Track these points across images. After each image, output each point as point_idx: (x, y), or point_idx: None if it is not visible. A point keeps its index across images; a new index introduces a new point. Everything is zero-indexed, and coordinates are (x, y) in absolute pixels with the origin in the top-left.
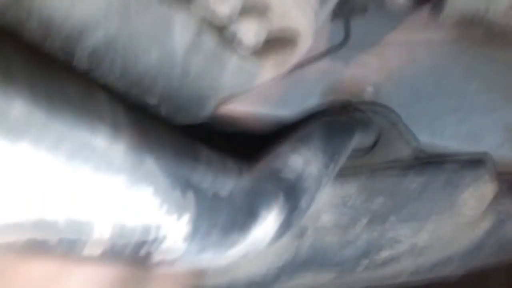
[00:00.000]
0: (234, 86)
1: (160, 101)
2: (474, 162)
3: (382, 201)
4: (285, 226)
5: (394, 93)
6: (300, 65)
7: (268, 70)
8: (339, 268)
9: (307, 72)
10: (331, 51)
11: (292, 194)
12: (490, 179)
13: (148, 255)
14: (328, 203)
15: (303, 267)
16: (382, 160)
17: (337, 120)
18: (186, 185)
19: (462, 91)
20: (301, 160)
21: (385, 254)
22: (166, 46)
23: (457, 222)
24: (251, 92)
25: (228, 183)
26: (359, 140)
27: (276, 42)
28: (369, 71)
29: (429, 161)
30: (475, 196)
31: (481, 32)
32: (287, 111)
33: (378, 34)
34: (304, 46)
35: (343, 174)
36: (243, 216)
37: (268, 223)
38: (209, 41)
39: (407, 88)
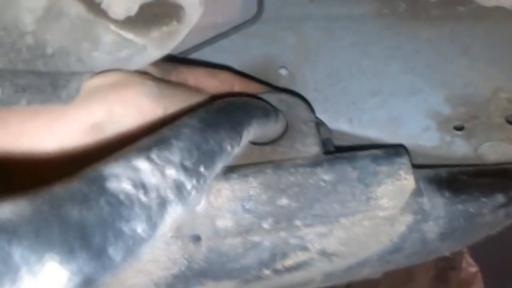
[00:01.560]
0: (112, 62)
1: None
2: (389, 156)
3: (286, 202)
4: (77, 281)
5: (311, 74)
6: (208, 43)
7: (153, 45)
8: (241, 274)
9: (215, 51)
10: (242, 26)
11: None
12: (406, 174)
13: None
14: (225, 207)
15: (200, 276)
16: (287, 156)
17: (223, 110)
18: None
19: (383, 72)
20: (142, 169)
21: (290, 261)
22: (10, 7)
23: (371, 222)
24: None
25: None
26: (257, 133)
27: (159, 13)
28: (284, 49)
29: (339, 156)
30: (390, 193)
31: (403, 7)
32: None
33: (295, 7)
34: (192, 19)
35: (241, 172)
36: None
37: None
38: (77, 5)
39: (324, 68)
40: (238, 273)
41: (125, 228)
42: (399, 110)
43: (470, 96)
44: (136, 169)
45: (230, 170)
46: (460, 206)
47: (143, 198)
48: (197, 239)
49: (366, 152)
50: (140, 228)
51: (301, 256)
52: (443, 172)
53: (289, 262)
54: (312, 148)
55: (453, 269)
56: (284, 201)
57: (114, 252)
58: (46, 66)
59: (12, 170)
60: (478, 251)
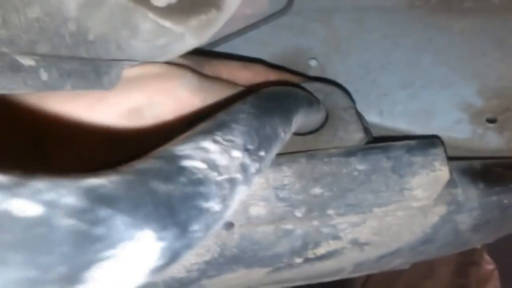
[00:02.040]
0: (149, 50)
1: (40, 63)
2: (424, 146)
3: (319, 191)
4: (167, 257)
5: (341, 66)
6: (237, 34)
7: (191, 34)
8: (273, 262)
9: (244, 42)
10: (272, 18)
11: (183, 210)
12: (441, 165)
13: None
14: (258, 195)
15: (231, 263)
16: (331, 144)
17: (273, 97)
18: None
19: (414, 64)
20: (212, 151)
21: (322, 250)
22: None
23: (405, 213)
24: None
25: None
26: (301, 122)
27: (198, 1)
28: (315, 41)
29: (373, 147)
30: (424, 184)
31: None
32: None
33: None
34: (231, 7)
35: (275, 161)
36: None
37: (125, 255)
38: None
39: (355, 60)
40: (270, 260)
41: (205, 206)
42: (430, 102)
43: (503, 89)
44: (206, 150)
45: None
46: (494, 198)
47: (217, 177)
48: (230, 226)
49: (400, 143)
50: (217, 206)
51: (333, 245)
52: (477, 163)
53: (320, 250)
54: (356, 134)
55: (473, 264)
56: (317, 190)
57: (197, 228)
58: (88, 52)
59: (50, 143)
60: (495, 249)
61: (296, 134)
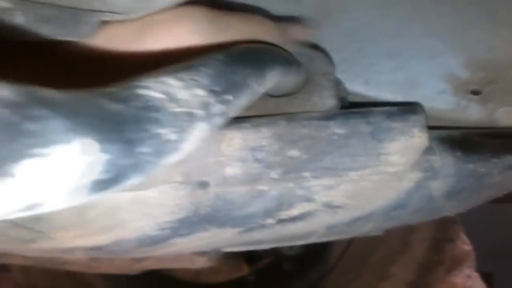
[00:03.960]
0: (132, 2)
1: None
2: (404, 113)
3: (297, 154)
4: (112, 172)
5: (330, 33)
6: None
7: None
8: (245, 222)
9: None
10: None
11: (131, 127)
12: (420, 132)
13: None
14: (235, 155)
15: (204, 222)
16: (303, 108)
17: (250, 50)
18: None
19: (404, 34)
20: (174, 85)
21: (295, 211)
22: None
23: (380, 177)
24: None
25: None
26: (278, 80)
27: None
28: (306, 8)
29: (354, 111)
30: (402, 150)
31: None
32: None
33: None
34: None
35: (255, 122)
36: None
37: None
38: None
39: (344, 28)
40: (243, 220)
41: (158, 131)
42: (417, 72)
43: (490, 61)
44: (167, 84)
45: (243, 120)
46: (470, 166)
47: (175, 108)
48: (205, 185)
49: (381, 108)
50: (173, 135)
51: (306, 207)
52: (456, 133)
53: (293, 212)
54: (329, 101)
55: (448, 241)
56: (294, 152)
57: (147, 151)
58: (68, 0)
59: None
60: (472, 231)
61: (272, 95)
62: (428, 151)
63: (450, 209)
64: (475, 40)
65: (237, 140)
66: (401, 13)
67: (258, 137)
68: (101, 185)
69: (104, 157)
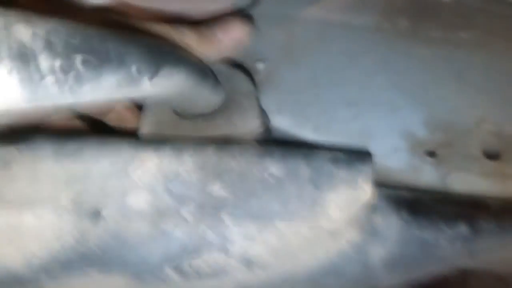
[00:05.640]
0: None
1: None
2: (350, 159)
3: (218, 190)
4: None
5: (289, 74)
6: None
7: None
8: (138, 270)
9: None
10: (234, 11)
11: None
12: (363, 182)
13: None
14: (144, 182)
15: (85, 263)
16: (224, 130)
17: (152, 41)
18: None
19: (366, 85)
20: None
21: (203, 263)
22: None
23: (311, 231)
24: None
25: None
26: (184, 90)
27: None
28: (269, 45)
29: (295, 150)
30: (341, 201)
31: (405, 25)
32: None
33: (292, 7)
34: None
35: (176, 146)
36: None
37: None
38: None
39: (305, 71)
40: (134, 267)
41: None
42: (372, 125)
43: (451, 123)
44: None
45: (162, 142)
46: (416, 231)
47: None
48: (96, 215)
49: (326, 151)
50: None
51: (217, 259)
52: (406, 193)
53: (199, 262)
54: (252, 121)
55: None
56: (216, 187)
57: None
58: None
59: None
60: None
61: (188, 117)
62: (371, 208)
63: (388, 282)
64: (438, 99)
65: (150, 164)
66: (366, 63)
67: (177, 163)
68: None
69: None
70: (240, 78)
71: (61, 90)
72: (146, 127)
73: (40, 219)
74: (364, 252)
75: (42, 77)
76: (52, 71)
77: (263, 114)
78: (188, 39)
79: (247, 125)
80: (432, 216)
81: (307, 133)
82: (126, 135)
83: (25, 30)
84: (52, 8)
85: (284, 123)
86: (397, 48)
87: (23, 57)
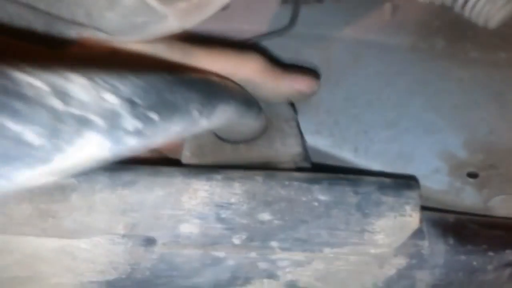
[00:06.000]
0: (122, 26)
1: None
2: (398, 186)
3: (268, 218)
4: None
5: (327, 95)
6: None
7: (175, 17)
8: None
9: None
10: (269, 36)
11: None
12: (412, 210)
13: None
14: (196, 210)
15: (142, 287)
16: (265, 155)
17: (204, 79)
18: None
19: (404, 106)
20: (75, 82)
21: (254, 287)
22: None
23: (359, 258)
24: None
25: None
26: (232, 121)
27: None
28: (306, 66)
29: (342, 177)
30: (389, 229)
31: (442, 44)
32: None
33: (328, 27)
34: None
35: (227, 175)
36: None
37: None
38: None
39: (343, 92)
40: None
41: (10, 125)
42: (411, 147)
43: (492, 144)
44: (66, 78)
45: (214, 170)
46: (463, 257)
47: (56, 105)
48: (151, 242)
49: (373, 178)
50: (37, 139)
51: (266, 285)
52: (450, 217)
53: None
54: (293, 149)
55: None
56: (266, 216)
57: None
58: (47, 5)
59: None
60: None
61: (229, 141)
62: (417, 234)
63: None
64: (478, 120)
65: (203, 193)
66: (403, 84)
67: (228, 192)
68: None
69: None
70: (281, 104)
71: (139, 143)
72: (188, 151)
73: (96, 246)
74: (410, 278)
75: (126, 135)
76: (135, 130)
77: (303, 139)
78: (256, 77)
79: (288, 150)
80: (478, 242)
81: (347, 154)
82: (178, 163)
83: (110, 95)
84: (106, 55)
85: (323, 144)
86: (434, 69)
87: (111, 120)
